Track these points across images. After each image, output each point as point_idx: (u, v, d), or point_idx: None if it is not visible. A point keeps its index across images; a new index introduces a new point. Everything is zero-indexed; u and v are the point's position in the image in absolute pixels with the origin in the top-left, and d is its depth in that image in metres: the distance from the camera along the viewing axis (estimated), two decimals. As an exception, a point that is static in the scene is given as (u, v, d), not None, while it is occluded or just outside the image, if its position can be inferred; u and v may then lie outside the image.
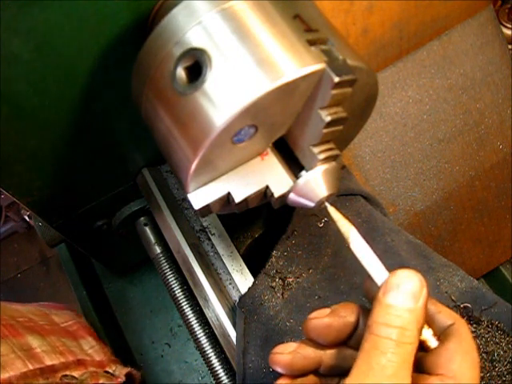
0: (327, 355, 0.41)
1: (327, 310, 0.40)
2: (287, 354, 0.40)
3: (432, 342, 0.37)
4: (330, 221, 0.42)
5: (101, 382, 0.77)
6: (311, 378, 0.42)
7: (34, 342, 0.72)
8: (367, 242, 0.40)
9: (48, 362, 0.71)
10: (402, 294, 0.34)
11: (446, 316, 0.37)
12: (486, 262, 1.00)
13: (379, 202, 0.71)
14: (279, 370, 0.41)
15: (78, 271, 1.11)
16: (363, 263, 0.39)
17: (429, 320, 0.38)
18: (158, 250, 0.82)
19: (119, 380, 0.81)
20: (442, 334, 0.37)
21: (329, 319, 0.39)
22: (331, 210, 0.42)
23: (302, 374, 0.41)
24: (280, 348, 0.41)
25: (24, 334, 0.72)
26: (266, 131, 0.42)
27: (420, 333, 0.35)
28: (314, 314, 0.40)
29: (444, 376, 0.34)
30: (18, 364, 0.66)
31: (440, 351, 0.36)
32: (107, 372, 0.83)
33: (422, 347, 0.37)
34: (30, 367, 0.67)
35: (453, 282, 0.60)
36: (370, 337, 0.34)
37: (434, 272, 0.61)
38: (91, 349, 0.86)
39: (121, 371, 0.85)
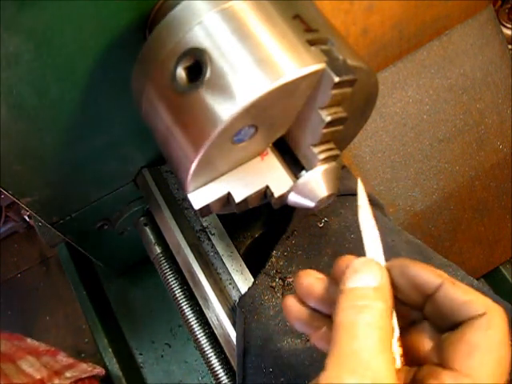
0: None
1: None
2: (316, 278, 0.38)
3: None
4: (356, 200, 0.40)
5: None
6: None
7: None
8: None
9: None
10: (363, 275, 0.33)
11: (476, 304, 0.32)
12: (486, 261, 1.00)
13: (379, 202, 0.71)
14: (312, 304, 0.38)
15: (78, 271, 1.11)
16: (363, 237, 0.38)
17: (451, 310, 0.33)
18: (158, 250, 0.82)
19: None
20: (468, 325, 0.31)
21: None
22: (360, 187, 0.40)
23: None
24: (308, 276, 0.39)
25: None
26: (265, 131, 0.42)
27: (391, 313, 0.32)
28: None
29: (459, 373, 0.30)
30: None
31: (460, 344, 0.31)
32: None
33: None
34: None
35: (453, 282, 0.60)
36: (338, 325, 0.31)
37: (434, 272, 0.60)
38: (31, 367, 0.87)
39: (63, 382, 0.87)
